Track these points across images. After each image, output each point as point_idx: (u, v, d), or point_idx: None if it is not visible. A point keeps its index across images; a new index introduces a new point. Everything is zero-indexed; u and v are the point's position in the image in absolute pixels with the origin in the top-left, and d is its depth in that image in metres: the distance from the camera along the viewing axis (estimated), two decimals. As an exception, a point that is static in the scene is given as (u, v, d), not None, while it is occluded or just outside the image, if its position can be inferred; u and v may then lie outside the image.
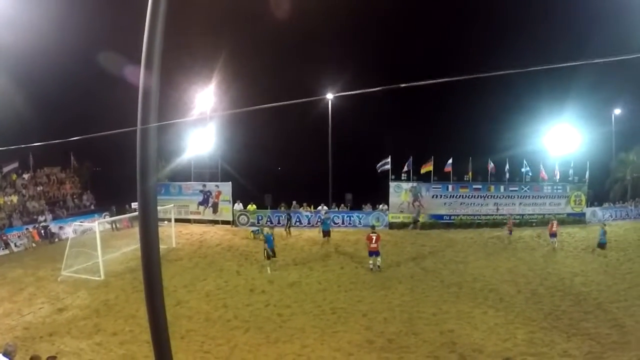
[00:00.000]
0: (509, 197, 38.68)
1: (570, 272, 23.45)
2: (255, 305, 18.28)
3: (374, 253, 23.73)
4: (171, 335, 7.41)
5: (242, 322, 16.42)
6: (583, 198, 39.69)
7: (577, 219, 38.66)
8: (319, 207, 38.45)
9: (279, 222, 35.74)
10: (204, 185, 38.60)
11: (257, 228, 33.15)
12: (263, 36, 50.80)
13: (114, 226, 35.07)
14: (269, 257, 24.17)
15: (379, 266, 23.61)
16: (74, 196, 39.43)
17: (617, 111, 51.80)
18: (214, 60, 42.86)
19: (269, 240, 24.50)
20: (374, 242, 23.61)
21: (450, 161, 38.92)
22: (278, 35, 50.46)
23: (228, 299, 19.04)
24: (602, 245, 28.01)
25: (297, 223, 36.75)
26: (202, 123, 40.47)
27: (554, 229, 30.03)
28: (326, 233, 29.80)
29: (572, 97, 48.95)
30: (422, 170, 38.80)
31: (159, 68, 5.44)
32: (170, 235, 29.26)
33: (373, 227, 26.86)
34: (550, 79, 52.95)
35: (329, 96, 39.62)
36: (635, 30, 38.40)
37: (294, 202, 39.09)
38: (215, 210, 37.80)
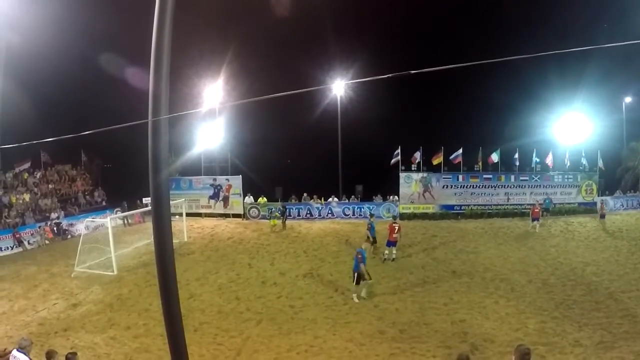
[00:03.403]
0: (519, 186, 38.56)
1: (582, 261, 23.41)
2: (267, 297, 18.40)
3: (392, 243, 23.80)
4: (185, 328, 7.51)
5: (254, 314, 16.54)
6: (594, 187, 39.49)
7: (589, 209, 38.50)
8: (329, 199, 38.51)
9: (298, 214, 36.25)
10: (215, 179, 38.64)
11: (274, 214, 33.69)
12: (271, 28, 50.66)
13: (125, 222, 35.25)
14: (372, 244, 24.34)
15: (393, 258, 23.69)
16: (86, 193, 39.61)
17: (628, 99, 51.53)
18: (222, 54, 42.82)
19: (372, 228, 25.15)
20: (395, 232, 23.69)
21: (460, 151, 38.79)
22: (286, 27, 50.29)
23: (240, 292, 19.17)
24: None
25: (308, 215, 36.86)
26: (212, 117, 40.60)
27: (536, 210, 31.11)
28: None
29: (583, 85, 48.58)
30: (434, 162, 38.75)
31: (169, 62, 5.51)
32: (181, 229, 29.35)
33: (394, 217, 26.94)
34: (560, 67, 52.49)
35: (338, 83, 39.74)
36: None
37: (305, 194, 39.14)
38: (226, 204, 37.85)
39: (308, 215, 36.79)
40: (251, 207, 37.53)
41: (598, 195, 39.55)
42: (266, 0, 48.08)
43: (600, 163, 40.19)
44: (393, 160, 38.04)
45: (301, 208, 36.94)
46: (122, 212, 34.59)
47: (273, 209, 34.93)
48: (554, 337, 14.20)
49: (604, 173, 41.63)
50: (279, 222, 33.22)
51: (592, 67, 48.05)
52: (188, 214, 32.91)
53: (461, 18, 62.44)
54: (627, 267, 22.38)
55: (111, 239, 22.86)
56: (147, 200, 32.02)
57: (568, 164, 40.07)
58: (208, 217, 37.51)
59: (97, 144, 39.31)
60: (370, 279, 18.41)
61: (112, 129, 9.32)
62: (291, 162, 61.84)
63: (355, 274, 17.72)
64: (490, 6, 59.70)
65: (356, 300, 17.51)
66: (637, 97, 51.96)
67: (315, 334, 14.61)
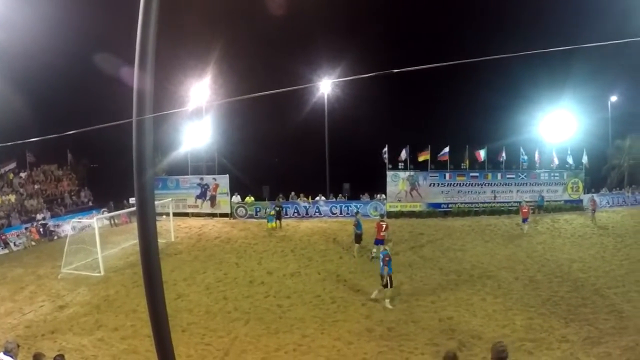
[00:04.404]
0: (506, 184, 38.80)
1: (568, 258, 23.65)
2: (255, 297, 18.38)
3: (379, 242, 23.58)
4: (172, 329, 7.47)
5: (242, 314, 16.51)
6: (580, 185, 39.88)
7: (575, 206, 38.86)
8: (317, 198, 38.56)
9: (286, 213, 36.04)
10: (202, 179, 38.44)
11: (271, 218, 33.46)
12: (258, 26, 50.66)
13: (112, 222, 35.08)
14: (358, 241, 24.63)
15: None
16: (72, 193, 39.43)
17: (614, 98, 52.11)
18: (209, 52, 42.64)
19: (359, 225, 25.05)
20: (383, 230, 23.61)
21: (447, 149, 38.92)
22: (274, 25, 50.30)
23: (228, 291, 19.13)
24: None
25: (295, 214, 36.84)
26: (198, 116, 40.49)
27: (524, 211, 30.98)
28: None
29: (569, 84, 48.95)
30: (420, 159, 38.87)
31: (154, 59, 5.48)
32: (168, 229, 29.29)
33: (382, 215, 26.99)
34: (547, 66, 52.93)
35: (324, 82, 39.83)
36: (630, 16, 38.55)
37: (292, 193, 39.13)
38: (213, 203, 37.71)
39: (295, 214, 36.71)
40: (238, 207, 37.46)
41: (584, 193, 39.87)
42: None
43: (586, 161, 40.55)
44: (383, 157, 38.11)
45: (289, 207, 36.82)
46: (109, 212, 34.39)
47: (268, 210, 34.85)
48: (541, 333, 14.33)
49: (589, 171, 42.05)
50: (277, 223, 33.11)
51: (578, 66, 48.45)
52: (175, 214, 32.74)
53: (448, 17, 62.68)
54: (613, 263, 22.69)
55: (97, 239, 22.72)
56: (134, 200, 31.95)
57: (556, 162, 40.41)
58: (195, 216, 37.34)
59: (83, 143, 39.15)
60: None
61: (95, 128, 9.28)
62: (278, 160, 61.72)
63: (383, 278, 17.27)
64: (477, 5, 59.94)
65: (390, 307, 16.93)
66: (622, 95, 52.53)
67: (303, 333, 14.60)
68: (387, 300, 17.12)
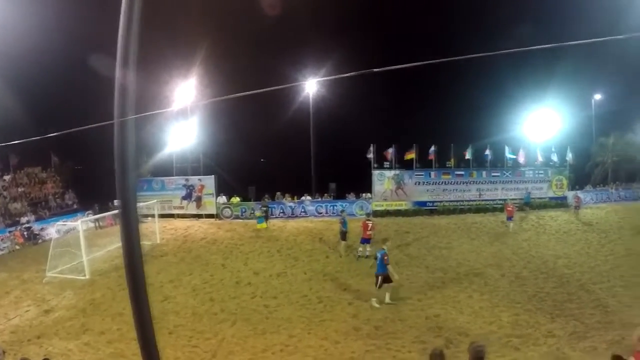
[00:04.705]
0: (491, 182, 39.06)
1: (553, 254, 23.91)
2: (241, 298, 18.34)
3: (366, 240, 23.87)
4: (159, 331, 7.42)
5: (229, 315, 16.46)
6: (564, 182, 40.29)
7: (559, 203, 39.21)
8: (303, 197, 38.55)
9: (271, 213, 36.05)
10: (187, 180, 38.25)
11: (261, 219, 33.41)
12: (244, 26, 50.52)
13: (97, 224, 34.87)
14: (344, 239, 24.84)
15: (367, 255, 23.53)
16: (56, 196, 39.14)
17: (598, 96, 52.79)
18: (193, 52, 42.41)
19: (345, 223, 25.22)
20: (369, 229, 23.79)
21: (432, 148, 39.11)
22: (259, 25, 50.24)
23: (214, 293, 19.06)
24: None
25: (281, 214, 36.77)
26: (183, 116, 40.29)
27: (509, 209, 31.26)
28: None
29: (553, 83, 49.48)
30: (406, 158, 39.01)
31: (136, 58, 5.44)
32: (154, 231, 29.17)
33: (368, 214, 27.05)
34: (531, 65, 53.40)
35: (306, 81, 39.85)
36: (613, 14, 38.88)
37: (278, 193, 39.07)
38: (198, 205, 37.55)
39: (281, 214, 36.65)
40: (224, 207, 37.31)
41: (568, 190, 40.24)
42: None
43: (570, 158, 40.94)
44: (369, 156, 38.16)
45: (274, 207, 36.74)
46: (94, 214, 34.14)
47: (256, 210, 34.76)
48: (528, 329, 14.44)
49: (574, 168, 42.49)
50: (265, 224, 33.06)
51: (562, 65, 49.07)
52: (160, 215, 32.59)
53: (433, 16, 62.88)
54: (598, 259, 22.96)
55: (82, 242, 22.60)
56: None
57: (540, 160, 40.78)
58: (181, 218, 37.12)
59: (67, 145, 38.86)
60: (397, 278, 17.70)
61: (78, 130, 9.21)
62: (265, 161, 61.67)
63: (380, 277, 17.13)
64: (461, 4, 60.13)
65: (376, 305, 16.90)
66: (606, 94, 53.19)
67: (290, 333, 14.58)
68: (374, 300, 17.12)
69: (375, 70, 7.43)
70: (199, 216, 37.30)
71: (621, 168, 49.59)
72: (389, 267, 17.15)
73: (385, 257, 17.10)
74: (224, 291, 19.25)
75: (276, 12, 47.72)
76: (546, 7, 57.34)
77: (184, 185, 37.85)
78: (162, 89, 39.08)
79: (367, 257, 23.48)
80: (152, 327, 5.30)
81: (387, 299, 17.20)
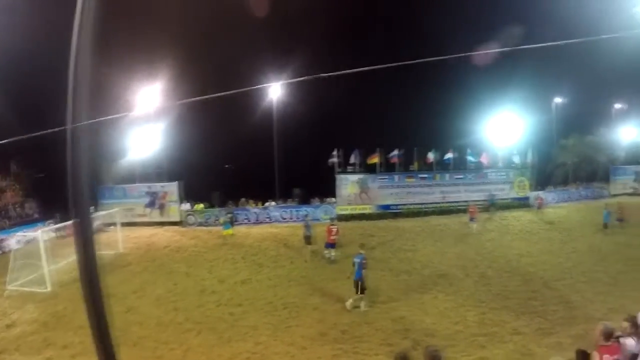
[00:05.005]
0: (454, 185, 39.46)
1: (517, 253, 24.31)
2: (206, 306, 18.10)
3: (331, 245, 23.95)
4: (123, 343, 7.25)
5: (194, 324, 16.21)
6: (526, 183, 40.99)
7: (522, 203, 39.89)
8: (267, 203, 38.40)
9: (236, 220, 35.54)
10: (150, 187, 37.71)
11: (228, 224, 32.98)
12: (206, 30, 50.12)
13: (59, 234, 34.22)
14: (308, 243, 24.92)
15: (333, 259, 23.73)
16: (16, 205, 38.38)
17: (558, 100, 54.35)
18: (156, 55, 41.89)
19: (309, 228, 25.45)
20: (333, 234, 23.82)
21: (396, 152, 39.32)
22: (222, 29, 49.88)
23: (179, 302, 18.78)
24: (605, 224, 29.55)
25: (246, 220, 36.44)
26: (146, 121, 39.64)
27: (472, 210, 31.89)
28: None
29: (515, 86, 50.44)
30: (370, 162, 39.14)
31: (91, 60, 5.30)
32: (117, 240, 28.64)
33: (332, 219, 27.03)
34: (494, 68, 54.05)
35: (264, 85, 39.84)
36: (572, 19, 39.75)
37: (242, 199, 38.85)
38: (162, 212, 37.10)
39: (246, 220, 36.35)
40: (188, 214, 36.92)
41: (530, 191, 40.94)
42: (202, 2, 47.55)
43: (531, 159, 41.74)
44: (331, 161, 38.15)
45: (239, 213, 36.46)
46: (55, 224, 33.48)
47: (221, 217, 34.48)
48: (493, 327, 14.62)
49: (535, 169, 43.23)
50: (232, 230, 32.65)
51: (524, 69, 50.23)
52: (123, 224, 31.91)
53: (397, 20, 63.27)
54: (561, 256, 23.50)
55: (43, 253, 22.06)
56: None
57: (503, 162, 41.44)
58: (144, 226, 36.39)
59: (27, 152, 38.10)
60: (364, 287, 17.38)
61: (27, 137, 9.03)
62: (230, 167, 61.33)
63: (360, 283, 17.01)
64: (426, 7, 60.60)
65: (349, 309, 16.82)
66: (567, 97, 54.73)
67: (257, 341, 14.43)
68: (363, 303, 17.01)
69: (323, 75, 7.40)
70: (162, 224, 36.70)
71: (581, 168, 51.19)
72: (364, 272, 17.09)
73: (364, 262, 17.10)
74: (188, 300, 18.98)
75: (240, 15, 47.54)
76: (508, 12, 58.14)
77: (147, 193, 37.33)
78: (123, 93, 38.40)
79: (332, 261, 23.55)
80: (111, 340, 5.17)
81: (363, 306, 17.03)
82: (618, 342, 7.74)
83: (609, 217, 29.64)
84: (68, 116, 5.03)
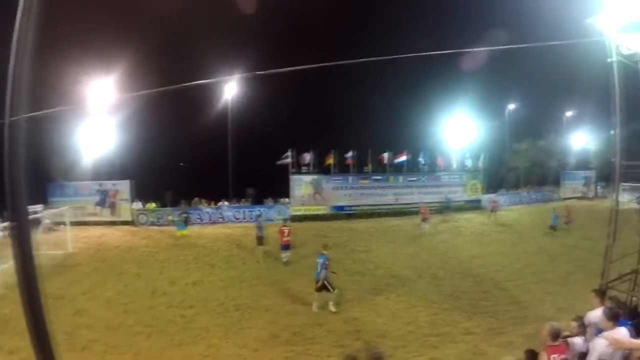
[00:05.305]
0: (408, 187, 40.00)
1: (469, 255, 24.69)
2: (157, 308, 17.73)
3: (285, 247, 23.85)
4: (71, 347, 7.07)
5: (144, 327, 15.82)
6: (479, 186, 41.83)
7: (474, 206, 40.60)
8: (220, 203, 38.15)
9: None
10: (101, 184, 36.88)
11: (183, 225, 32.65)
12: (159, 24, 49.39)
13: (4, 233, 33.30)
14: (260, 243, 24.60)
15: (286, 260, 23.69)
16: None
17: (511, 106, 55.83)
18: (107, 48, 41.05)
19: (261, 228, 24.94)
20: (286, 235, 23.72)
21: (350, 153, 39.50)
22: (175, 23, 49.25)
23: (129, 304, 18.34)
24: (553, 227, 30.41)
25: (198, 220, 36.13)
26: (98, 117, 38.62)
27: (423, 211, 32.47)
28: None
29: (469, 92, 51.31)
30: (325, 163, 39.25)
31: (32, 49, 5.13)
32: (66, 239, 27.99)
33: (285, 220, 26.92)
34: (449, 72, 54.85)
35: (219, 79, 39.65)
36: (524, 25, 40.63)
37: (195, 199, 38.51)
38: (113, 211, 36.45)
39: (198, 220, 36.03)
40: (140, 214, 36.41)
41: (483, 193, 41.75)
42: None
43: (483, 163, 42.51)
44: (282, 162, 38.07)
45: (191, 213, 36.08)
46: (3, 222, 32.58)
47: (174, 216, 34.06)
48: (445, 328, 14.71)
49: (488, 172, 44.15)
50: (185, 231, 32.28)
51: (478, 74, 50.96)
52: (73, 223, 31.15)
53: (352, 19, 63.48)
54: (512, 258, 24.00)
55: (-13, 253, 21.51)
56: (35, 207, 30.54)
57: (456, 165, 42.16)
58: (95, 225, 35.51)
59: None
60: (319, 285, 17.30)
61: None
62: (185, 165, 60.61)
63: (327, 283, 16.93)
64: (384, 8, 60.93)
65: (333, 309, 16.67)
66: (520, 103, 56.30)
67: (208, 343, 14.23)
68: (331, 304, 16.91)
69: (257, 72, 7.35)
70: (113, 223, 36.02)
71: (533, 173, 52.82)
72: (325, 272, 17.06)
73: (327, 263, 17.07)
74: (139, 302, 18.58)
75: (193, 11, 47.13)
76: (466, 16, 59.03)
77: (98, 191, 36.55)
78: (71, 86, 37.38)
79: (285, 262, 23.49)
80: (51, 346, 5.01)
81: (314, 308, 16.95)
82: (566, 341, 7.89)
83: (556, 220, 30.41)
84: (7, 108, 4.86)
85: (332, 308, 16.75)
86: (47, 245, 26.59)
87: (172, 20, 46.79)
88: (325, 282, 16.90)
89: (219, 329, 15.40)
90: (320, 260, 17.19)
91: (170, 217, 33.58)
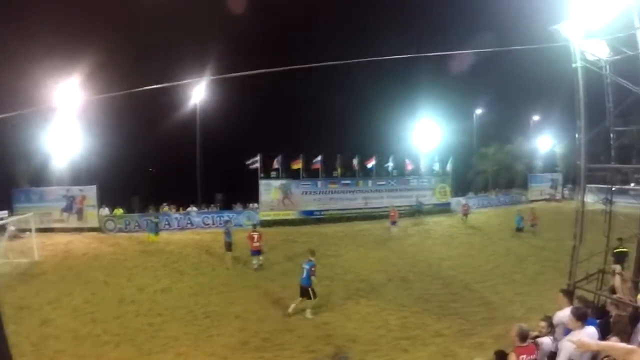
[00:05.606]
0: (377, 191, 40.25)
1: (438, 257, 24.93)
2: (125, 317, 17.44)
3: (256, 252, 23.67)
4: (38, 359, 6.87)
5: (112, 337, 15.53)
6: (447, 189, 42.42)
7: (443, 209, 41.03)
8: (189, 208, 37.87)
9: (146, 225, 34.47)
10: (67, 190, 35.99)
11: (155, 229, 32.30)
12: (126, 27, 48.94)
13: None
14: (229, 249, 24.52)
15: (260, 265, 23.59)
16: None
17: (479, 110, 56.82)
18: (73, 49, 40.42)
19: (229, 234, 24.85)
20: (255, 240, 23.54)
21: (319, 158, 39.51)
22: (141, 26, 48.84)
23: (96, 313, 17.99)
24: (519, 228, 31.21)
25: (167, 226, 35.73)
26: (64, 120, 37.90)
27: (392, 215, 32.99)
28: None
29: (437, 96, 51.97)
30: (293, 167, 39.18)
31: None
32: (32, 247, 27.40)
33: (254, 225, 26.79)
34: (416, 78, 55.38)
35: (186, 81, 39.38)
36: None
37: (163, 204, 38.19)
38: (80, 217, 35.78)
39: (167, 226, 35.66)
40: (107, 220, 35.85)
41: (451, 197, 42.27)
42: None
43: (452, 167, 43.02)
44: (251, 166, 37.94)
45: (159, 219, 35.64)
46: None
47: (149, 223, 33.66)
48: (415, 331, 14.79)
49: (456, 176, 44.76)
50: (155, 236, 31.93)
51: (446, 79, 51.87)
52: (39, 230, 30.62)
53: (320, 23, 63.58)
54: (481, 260, 24.33)
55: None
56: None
57: (426, 169, 42.74)
58: (61, 232, 34.85)
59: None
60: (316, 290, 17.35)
61: None
62: (153, 170, 60.05)
63: (310, 290, 16.81)
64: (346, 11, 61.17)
65: (310, 317, 16.56)
66: (487, 107, 57.24)
67: (177, 351, 14.05)
68: (309, 311, 16.76)
69: (212, 77, 7.28)
70: (80, 230, 35.29)
71: (501, 176, 53.74)
72: (313, 278, 17.05)
73: (313, 269, 17.00)
74: (106, 311, 18.24)
75: (159, 14, 46.79)
76: (430, 20, 59.55)
77: (65, 196, 35.71)
78: (36, 89, 36.64)
79: (256, 269, 23.40)
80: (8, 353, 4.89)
81: (307, 314, 16.83)
82: (535, 342, 7.99)
83: (522, 222, 30.87)
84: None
85: (309, 315, 16.64)
86: (12, 253, 26.22)
87: (139, 22, 46.47)
88: (310, 289, 16.80)
89: (188, 337, 15.21)
90: (307, 267, 17.11)
91: (153, 224, 33.01)
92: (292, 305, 16.96)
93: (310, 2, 61.38)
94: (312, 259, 17.57)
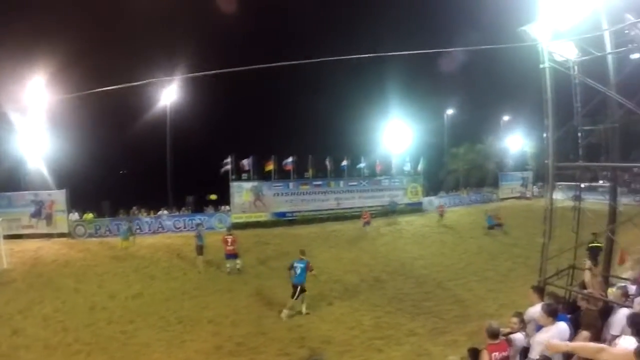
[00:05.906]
0: (349, 191, 40.43)
1: (411, 257, 25.10)
2: (96, 325, 17.12)
3: (231, 256, 23.39)
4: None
5: (83, 345, 15.24)
6: (419, 189, 42.79)
7: (415, 208, 41.39)
8: (160, 212, 37.58)
9: (118, 230, 33.90)
10: (36, 195, 35.30)
11: (126, 234, 31.44)
12: (96, 24, 48.49)
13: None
14: (200, 253, 24.31)
15: (239, 269, 23.34)
16: None
17: (450, 111, 57.37)
18: (40, 47, 39.80)
19: (200, 237, 24.63)
20: (229, 244, 23.31)
21: (290, 159, 39.48)
22: (113, 25, 48.47)
23: (67, 321, 17.65)
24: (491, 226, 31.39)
25: (137, 230, 34.98)
26: (31, 122, 37.16)
27: (365, 215, 33.41)
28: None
29: (407, 96, 52.47)
30: (266, 169, 39.16)
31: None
32: (0, 254, 27.05)
33: (229, 228, 26.62)
34: (386, 78, 55.73)
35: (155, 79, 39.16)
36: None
37: (134, 208, 37.82)
38: (49, 222, 35.12)
39: (138, 231, 34.99)
40: (77, 225, 35.29)
41: (423, 196, 42.67)
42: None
43: (423, 166, 43.45)
44: (223, 169, 37.78)
45: (132, 224, 35.20)
46: None
47: (122, 227, 33.10)
48: (389, 330, 14.83)
49: (427, 175, 45.20)
50: (129, 241, 31.20)
51: (417, 79, 52.37)
52: (7, 236, 29.77)
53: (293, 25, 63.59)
54: (453, 258, 24.56)
55: None
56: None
57: (398, 169, 43.06)
58: (30, 238, 34.21)
59: None
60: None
61: None
62: (125, 172, 59.54)
63: (298, 287, 16.71)
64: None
65: (285, 319, 16.44)
66: (457, 107, 58.00)
67: (150, 358, 13.90)
68: (286, 312, 16.71)
69: (176, 77, 7.24)
70: (50, 235, 34.65)
71: (472, 175, 54.49)
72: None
73: (310, 265, 17.07)
74: (77, 318, 17.92)
75: (130, 12, 46.45)
76: (401, 19, 59.96)
77: (33, 201, 34.99)
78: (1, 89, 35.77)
79: (239, 271, 23.30)
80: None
81: (303, 310, 16.98)
82: (507, 339, 8.04)
83: (491, 220, 31.21)
84: None
85: (285, 316, 16.64)
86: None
87: (108, 20, 46.08)
88: (299, 287, 16.78)
89: (161, 343, 15.03)
90: (302, 265, 17.04)
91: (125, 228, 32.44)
92: (285, 311, 16.81)
93: (280, 1, 61.39)
94: (304, 258, 17.55)
